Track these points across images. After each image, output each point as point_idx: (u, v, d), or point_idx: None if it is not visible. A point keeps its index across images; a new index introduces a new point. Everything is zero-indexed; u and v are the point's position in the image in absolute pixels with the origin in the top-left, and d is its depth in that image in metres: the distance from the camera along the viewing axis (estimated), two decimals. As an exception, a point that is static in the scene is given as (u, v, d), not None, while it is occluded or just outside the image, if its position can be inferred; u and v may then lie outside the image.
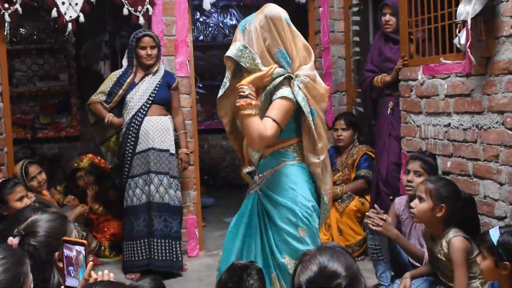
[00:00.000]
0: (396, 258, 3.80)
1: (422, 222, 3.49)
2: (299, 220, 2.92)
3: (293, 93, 2.87)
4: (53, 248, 2.22)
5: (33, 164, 4.72)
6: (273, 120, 2.84)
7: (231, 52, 2.91)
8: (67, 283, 2.11)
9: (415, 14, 4.20)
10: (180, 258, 4.67)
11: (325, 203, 3.07)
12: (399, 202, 4.02)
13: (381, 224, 3.61)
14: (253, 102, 2.77)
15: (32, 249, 2.23)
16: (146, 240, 4.64)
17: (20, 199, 3.86)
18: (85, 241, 2.10)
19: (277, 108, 2.87)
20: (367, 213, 3.76)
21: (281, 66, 2.92)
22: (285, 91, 2.88)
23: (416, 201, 3.35)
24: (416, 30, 4.23)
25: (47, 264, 2.23)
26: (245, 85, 2.81)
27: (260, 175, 3.08)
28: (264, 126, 2.80)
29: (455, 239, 3.19)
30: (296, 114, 2.94)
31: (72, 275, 2.10)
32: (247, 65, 2.90)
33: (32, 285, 1.96)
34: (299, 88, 2.89)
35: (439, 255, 3.29)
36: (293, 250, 2.91)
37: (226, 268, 2.42)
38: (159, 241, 4.61)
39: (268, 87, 2.90)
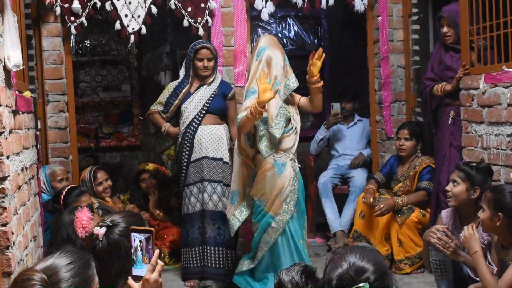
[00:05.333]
0: (456, 272, 3.73)
1: (488, 232, 3.41)
2: None
3: None
4: None
5: (101, 170, 4.91)
6: None
7: None
8: (133, 273, 2.17)
9: (476, 22, 4.12)
10: (231, 268, 4.69)
11: None
12: (446, 216, 3.95)
13: (451, 248, 3.56)
14: None
15: (118, 238, 2.38)
16: (200, 247, 4.71)
17: None
18: (152, 229, 2.17)
19: None
20: (432, 230, 3.70)
21: None
22: None
23: (481, 210, 3.30)
24: (478, 38, 4.15)
25: (129, 256, 2.30)
26: None
27: None
28: None
29: None
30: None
31: (138, 263, 2.16)
32: None
33: (98, 286, 2.03)
34: None
35: (509, 262, 3.20)
36: None
37: (287, 270, 2.45)
38: (212, 248, 4.67)
39: None
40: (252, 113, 3.98)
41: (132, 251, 2.17)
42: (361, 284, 1.83)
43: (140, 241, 2.15)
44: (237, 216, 4.44)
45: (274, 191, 4.24)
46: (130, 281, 2.17)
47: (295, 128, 4.35)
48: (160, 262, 2.14)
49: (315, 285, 2.40)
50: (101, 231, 2.38)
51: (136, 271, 2.17)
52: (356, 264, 1.88)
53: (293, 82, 4.31)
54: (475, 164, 3.89)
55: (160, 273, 2.13)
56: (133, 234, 2.17)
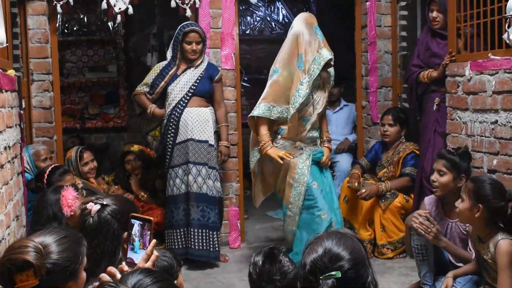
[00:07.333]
0: (437, 257, 3.77)
1: (465, 222, 3.48)
2: None
3: None
4: (122, 225, 2.30)
5: (87, 151, 4.88)
6: None
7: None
8: (128, 255, 2.17)
9: (463, 9, 4.13)
10: (217, 249, 4.71)
11: None
12: (429, 202, 3.98)
13: (432, 233, 3.59)
14: None
15: (109, 218, 2.35)
16: (184, 229, 4.72)
17: None
18: (151, 218, 2.17)
19: None
20: (414, 215, 3.72)
21: None
22: None
23: (459, 200, 3.32)
24: (465, 26, 4.16)
25: (116, 239, 2.32)
26: None
27: None
28: None
29: (502, 241, 3.13)
30: None
31: (134, 250, 2.16)
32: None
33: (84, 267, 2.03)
34: None
35: (485, 256, 3.24)
36: None
37: (256, 253, 2.46)
38: (196, 230, 4.68)
39: None
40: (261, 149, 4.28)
41: (131, 234, 2.17)
42: (333, 272, 1.79)
43: (140, 227, 2.16)
44: (252, 158, 4.49)
45: (279, 180, 4.34)
46: (123, 266, 2.17)
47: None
48: (155, 253, 2.13)
49: (278, 269, 2.39)
50: (94, 207, 2.36)
51: (131, 254, 2.16)
52: (331, 250, 1.84)
53: (325, 55, 4.28)
54: (454, 150, 3.92)
55: (154, 263, 2.13)
56: (132, 220, 2.18)
